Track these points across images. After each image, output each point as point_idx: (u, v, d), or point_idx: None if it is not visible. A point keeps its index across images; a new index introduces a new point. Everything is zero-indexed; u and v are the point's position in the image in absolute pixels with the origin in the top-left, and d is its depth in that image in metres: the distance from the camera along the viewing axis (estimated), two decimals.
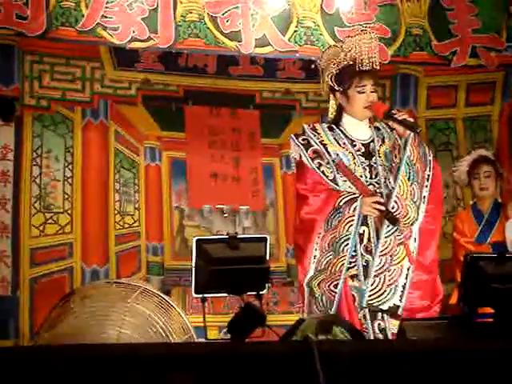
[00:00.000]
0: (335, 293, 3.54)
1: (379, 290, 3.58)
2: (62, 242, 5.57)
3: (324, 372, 2.01)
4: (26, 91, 5.62)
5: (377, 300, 3.57)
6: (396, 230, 3.61)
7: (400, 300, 3.59)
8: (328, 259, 3.60)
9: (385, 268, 3.59)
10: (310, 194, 3.70)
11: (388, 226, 3.59)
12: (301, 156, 3.76)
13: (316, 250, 3.63)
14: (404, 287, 3.60)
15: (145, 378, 2.05)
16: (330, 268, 3.58)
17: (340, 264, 3.56)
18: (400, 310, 3.58)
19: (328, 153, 3.74)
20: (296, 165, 3.82)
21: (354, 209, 3.57)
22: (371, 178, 3.71)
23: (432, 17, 5.56)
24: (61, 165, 5.67)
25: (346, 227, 3.58)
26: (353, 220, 3.57)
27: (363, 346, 2.39)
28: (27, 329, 5.28)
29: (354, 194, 3.63)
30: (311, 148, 3.76)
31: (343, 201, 3.61)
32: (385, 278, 3.58)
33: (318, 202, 3.68)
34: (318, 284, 3.60)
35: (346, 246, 3.57)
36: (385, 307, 3.56)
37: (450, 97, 6.38)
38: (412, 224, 3.64)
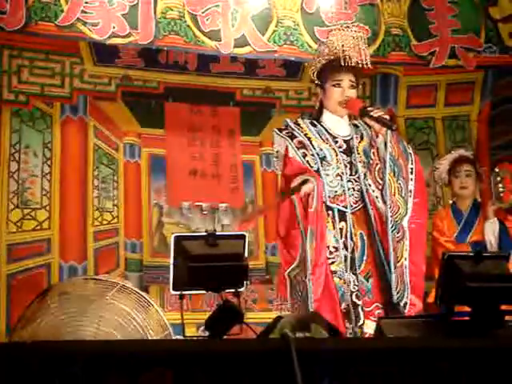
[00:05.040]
0: (306, 283, 3.50)
1: (398, 288, 3.58)
2: (39, 238, 5.53)
3: (302, 370, 2.02)
4: (5, 86, 5.58)
5: (399, 296, 3.57)
6: (395, 229, 3.62)
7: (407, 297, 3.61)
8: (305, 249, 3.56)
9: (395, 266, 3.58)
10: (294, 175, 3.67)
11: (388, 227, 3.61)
12: (287, 148, 3.76)
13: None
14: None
15: (122, 375, 2.04)
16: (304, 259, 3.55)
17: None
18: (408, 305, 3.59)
19: (312, 146, 3.76)
20: (282, 158, 3.81)
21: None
22: (351, 174, 3.74)
23: (412, 17, 5.59)
24: (39, 160, 5.63)
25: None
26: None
27: (341, 344, 2.40)
28: (3, 325, 5.23)
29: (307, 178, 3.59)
30: (296, 139, 3.78)
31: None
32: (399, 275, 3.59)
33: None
34: (295, 276, 3.59)
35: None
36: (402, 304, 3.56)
37: (429, 96, 6.41)
38: (402, 219, 3.66)
